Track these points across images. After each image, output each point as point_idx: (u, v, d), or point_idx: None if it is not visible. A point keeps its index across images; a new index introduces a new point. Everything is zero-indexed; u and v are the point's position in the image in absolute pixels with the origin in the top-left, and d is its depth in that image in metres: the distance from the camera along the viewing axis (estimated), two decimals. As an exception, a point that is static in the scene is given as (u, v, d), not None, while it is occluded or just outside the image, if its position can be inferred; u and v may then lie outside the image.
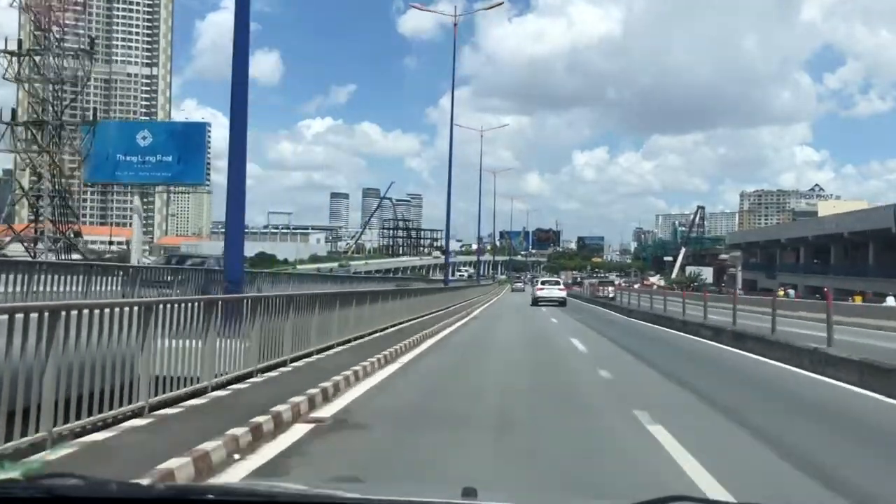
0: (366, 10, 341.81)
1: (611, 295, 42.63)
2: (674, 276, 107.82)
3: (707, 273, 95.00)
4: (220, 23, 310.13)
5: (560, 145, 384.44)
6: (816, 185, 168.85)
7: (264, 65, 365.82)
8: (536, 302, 37.71)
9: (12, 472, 1.24)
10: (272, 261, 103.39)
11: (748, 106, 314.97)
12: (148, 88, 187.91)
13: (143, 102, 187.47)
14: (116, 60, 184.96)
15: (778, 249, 68.89)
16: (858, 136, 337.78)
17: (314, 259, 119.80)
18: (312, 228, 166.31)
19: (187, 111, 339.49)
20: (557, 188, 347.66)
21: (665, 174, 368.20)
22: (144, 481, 3.16)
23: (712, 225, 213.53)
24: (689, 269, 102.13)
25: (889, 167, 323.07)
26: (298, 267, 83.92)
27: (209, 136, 57.34)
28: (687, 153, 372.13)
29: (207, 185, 52.40)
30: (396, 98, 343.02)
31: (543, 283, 42.67)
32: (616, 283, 67.12)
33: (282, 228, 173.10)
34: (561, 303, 37.30)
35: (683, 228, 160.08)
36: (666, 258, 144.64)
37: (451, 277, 71.50)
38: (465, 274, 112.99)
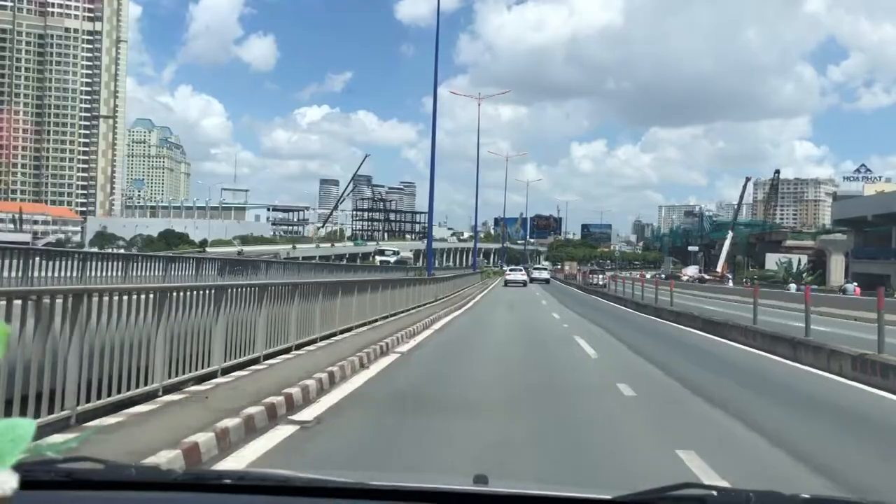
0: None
1: (601, 283, 45.72)
2: (719, 267, 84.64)
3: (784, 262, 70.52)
4: (215, 6, 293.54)
5: (558, 137, 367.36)
6: (863, 164, 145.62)
7: (259, 50, 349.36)
8: (506, 283, 49.26)
9: (51, 453, 1.26)
10: (182, 240, 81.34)
11: (748, 99, 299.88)
12: (90, 46, 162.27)
13: (85, 62, 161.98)
14: (52, 13, 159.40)
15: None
16: (859, 131, 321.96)
17: (246, 240, 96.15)
18: (274, 209, 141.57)
19: (182, 98, 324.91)
20: (555, 180, 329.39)
21: (663, 167, 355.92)
22: (162, 466, 3.66)
23: (721, 217, 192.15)
24: (770, 257, 76.66)
25: (890, 162, 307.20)
26: (208, 249, 61.69)
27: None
28: (686, 146, 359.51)
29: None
30: (393, 86, 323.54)
31: (511, 269, 56.40)
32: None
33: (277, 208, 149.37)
34: (524, 283, 49.33)
35: (710, 213, 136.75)
36: (690, 248, 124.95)
37: (364, 265, 48.89)
38: (392, 259, 64.64)
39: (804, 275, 55.41)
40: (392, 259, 62.02)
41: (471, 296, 31.23)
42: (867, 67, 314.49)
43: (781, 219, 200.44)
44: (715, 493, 1.42)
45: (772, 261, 70.66)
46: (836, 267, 56.63)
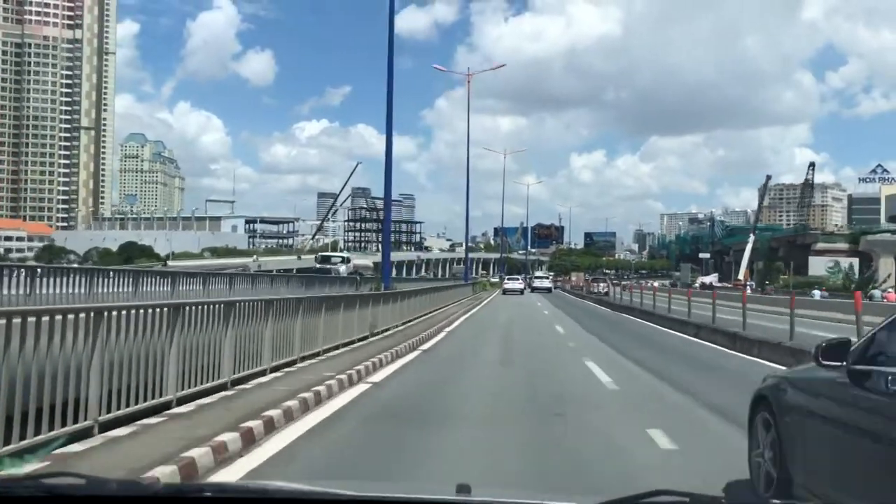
0: (360, 10, 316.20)
1: (604, 291, 45.28)
2: (741, 274, 77.92)
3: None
4: (212, 23, 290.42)
5: (558, 147, 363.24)
6: (879, 165, 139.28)
7: (257, 65, 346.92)
8: (504, 292, 52.09)
9: (13, 470, 1.28)
10: (145, 253, 75.10)
11: (747, 107, 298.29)
12: (70, 55, 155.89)
13: (65, 72, 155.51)
14: (30, 20, 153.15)
15: None
16: (859, 138, 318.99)
17: (217, 252, 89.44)
18: (261, 221, 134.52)
19: (181, 113, 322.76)
20: (555, 190, 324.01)
21: (663, 176, 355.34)
22: (144, 480, 3.49)
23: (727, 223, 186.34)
24: (813, 261, 69.48)
25: (892, 168, 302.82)
26: (173, 263, 55.20)
27: None
28: (686, 155, 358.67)
29: None
30: (393, 99, 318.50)
31: (509, 279, 61.45)
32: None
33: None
34: (521, 291, 53.60)
35: (722, 218, 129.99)
36: (701, 255, 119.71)
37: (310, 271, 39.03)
38: (341, 269, 47.15)
39: (875, 282, 47.75)
40: (342, 268, 47.11)
41: (450, 318, 22.35)
42: (866, 73, 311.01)
43: (789, 224, 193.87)
44: (688, 499, 1.36)
45: (816, 265, 63.21)
46: (886, 270, 49.77)
